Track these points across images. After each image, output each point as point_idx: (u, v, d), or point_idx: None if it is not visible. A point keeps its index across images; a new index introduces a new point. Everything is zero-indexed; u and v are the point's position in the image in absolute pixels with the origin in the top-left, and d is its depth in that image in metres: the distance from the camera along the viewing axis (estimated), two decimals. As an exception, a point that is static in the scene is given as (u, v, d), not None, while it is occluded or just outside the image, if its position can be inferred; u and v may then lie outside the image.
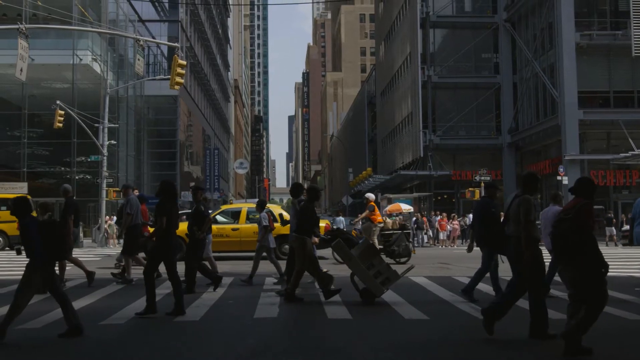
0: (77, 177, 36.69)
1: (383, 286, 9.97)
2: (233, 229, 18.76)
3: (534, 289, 7.14)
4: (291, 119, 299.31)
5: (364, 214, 17.82)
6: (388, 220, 17.27)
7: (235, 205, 22.33)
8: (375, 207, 17.90)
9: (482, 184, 11.00)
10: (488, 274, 10.39)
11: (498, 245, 9.46)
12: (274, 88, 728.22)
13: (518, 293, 7.36)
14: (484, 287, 12.18)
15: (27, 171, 35.56)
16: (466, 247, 11.20)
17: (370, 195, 18.42)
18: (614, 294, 10.63)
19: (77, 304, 9.90)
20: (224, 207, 20.76)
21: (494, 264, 10.40)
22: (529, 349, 6.95)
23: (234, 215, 19.87)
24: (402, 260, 17.31)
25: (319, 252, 15.14)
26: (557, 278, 13.64)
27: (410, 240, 19.12)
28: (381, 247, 17.36)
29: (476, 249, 10.62)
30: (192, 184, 48.44)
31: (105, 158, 31.49)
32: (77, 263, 12.65)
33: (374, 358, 6.39)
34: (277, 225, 16.31)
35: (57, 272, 11.96)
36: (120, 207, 14.30)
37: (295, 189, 11.72)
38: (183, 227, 13.05)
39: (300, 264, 10.36)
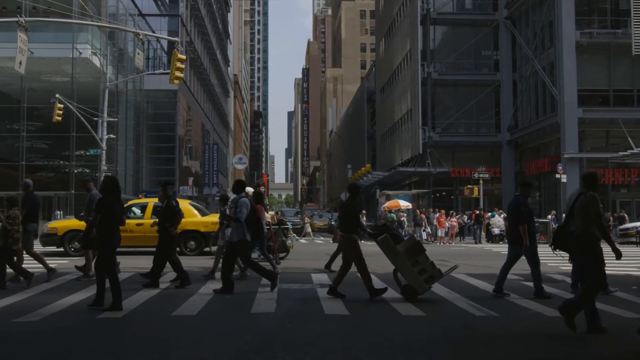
0: (75, 171, 36.67)
1: (427, 284, 10.00)
2: (137, 224, 18.12)
3: (594, 283, 7.42)
4: (290, 115, 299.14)
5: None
6: (267, 215, 16.91)
7: (142, 200, 21.96)
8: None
9: (521, 183, 11.06)
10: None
11: (523, 241, 10.21)
12: (273, 84, 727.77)
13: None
14: (481, 283, 12.22)
15: (26, 164, 35.51)
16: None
17: (250, 190, 18.37)
18: (615, 291, 10.66)
19: (75, 298, 9.92)
20: (131, 202, 20.46)
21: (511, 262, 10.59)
22: (527, 344, 6.97)
23: (142, 210, 19.52)
24: (281, 255, 16.89)
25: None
26: (555, 276, 13.67)
27: (288, 235, 18.92)
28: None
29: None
30: (191, 178, 48.51)
31: (104, 152, 31.44)
32: (37, 258, 12.46)
33: (371, 354, 6.40)
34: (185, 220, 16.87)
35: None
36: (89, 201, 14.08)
37: (237, 185, 11.47)
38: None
39: (357, 261, 10.31)
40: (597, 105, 37.94)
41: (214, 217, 17.92)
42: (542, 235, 30.31)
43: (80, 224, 17.03)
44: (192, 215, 18.51)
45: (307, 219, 42.79)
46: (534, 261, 10.46)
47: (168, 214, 11.65)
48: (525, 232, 10.26)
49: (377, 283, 11.15)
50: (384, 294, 10.22)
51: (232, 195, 14.18)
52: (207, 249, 18.77)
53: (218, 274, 11.97)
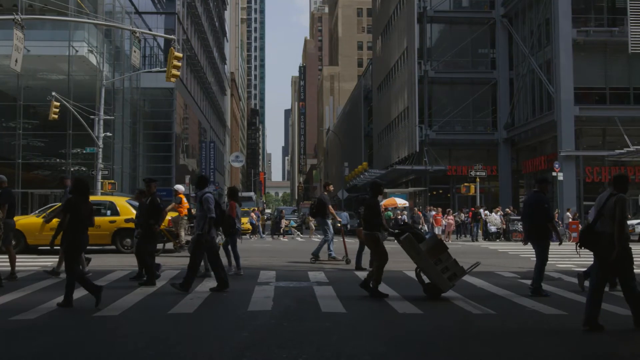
0: (72, 169, 36.58)
1: (450, 282, 10.02)
2: None
3: (626, 282, 7.58)
4: (287, 113, 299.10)
5: (170, 206, 17.36)
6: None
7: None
8: (183, 198, 17.66)
9: (539, 179, 11.20)
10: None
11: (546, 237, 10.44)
12: (270, 81, 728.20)
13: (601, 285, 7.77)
14: (478, 281, 12.22)
15: (22, 162, 35.41)
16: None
17: (179, 187, 18.37)
18: (606, 290, 10.67)
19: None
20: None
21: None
22: (524, 342, 6.98)
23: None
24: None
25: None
26: (552, 274, 13.68)
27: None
28: (188, 239, 17.36)
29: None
30: (187, 176, 48.46)
31: (100, 150, 31.39)
32: (11, 256, 12.36)
33: (368, 351, 6.40)
34: (117, 218, 17.67)
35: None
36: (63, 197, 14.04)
37: (200, 181, 11.39)
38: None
39: (379, 259, 10.33)
40: (593, 103, 38.01)
41: None
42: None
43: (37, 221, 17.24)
44: (129, 213, 18.35)
45: (310, 217, 42.74)
46: (541, 256, 10.52)
47: (152, 211, 11.66)
48: (555, 228, 10.41)
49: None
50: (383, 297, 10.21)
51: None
52: None
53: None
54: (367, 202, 10.91)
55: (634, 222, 28.59)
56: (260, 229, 39.55)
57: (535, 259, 10.65)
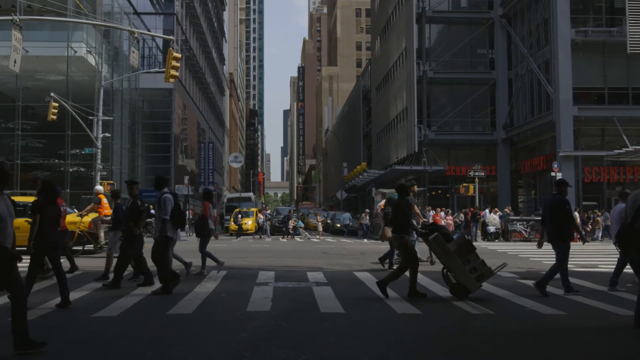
0: (71, 170, 36.60)
1: (478, 282, 10.04)
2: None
3: None
4: (286, 113, 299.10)
5: (89, 207, 17.26)
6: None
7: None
8: (103, 199, 17.24)
9: (558, 180, 11.21)
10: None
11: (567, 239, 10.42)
12: (269, 82, 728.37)
13: None
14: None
15: (21, 163, 35.43)
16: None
17: (98, 188, 18.29)
18: (606, 290, 10.68)
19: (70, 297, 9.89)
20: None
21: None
22: (522, 341, 6.98)
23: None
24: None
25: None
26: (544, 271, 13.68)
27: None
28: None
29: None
30: (186, 177, 48.43)
31: (99, 151, 31.38)
32: None
33: (366, 352, 6.40)
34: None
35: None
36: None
37: (158, 182, 11.11)
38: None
39: (409, 260, 10.30)
40: (592, 104, 38.01)
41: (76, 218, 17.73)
42: (538, 233, 30.37)
43: None
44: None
45: (319, 218, 42.67)
46: (561, 257, 10.51)
47: (133, 213, 11.65)
48: (578, 228, 10.39)
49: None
50: (378, 294, 10.19)
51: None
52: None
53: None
54: (394, 203, 10.87)
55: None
56: (268, 229, 39.57)
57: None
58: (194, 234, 13.69)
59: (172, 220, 10.62)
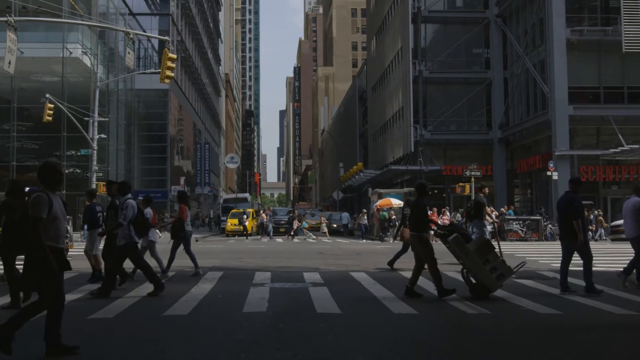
0: (66, 171, 36.52)
1: (498, 281, 10.04)
2: None
3: None
4: (282, 114, 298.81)
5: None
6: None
7: None
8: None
9: (570, 179, 11.21)
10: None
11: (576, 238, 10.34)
12: (265, 82, 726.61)
13: None
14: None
15: (17, 165, 35.37)
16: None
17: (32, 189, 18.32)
18: (604, 289, 10.69)
19: (67, 298, 9.86)
20: None
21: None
22: (520, 341, 6.98)
23: None
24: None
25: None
26: (546, 273, 13.68)
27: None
28: None
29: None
30: (182, 178, 48.41)
31: (95, 152, 31.32)
32: None
33: (362, 352, 6.39)
34: None
35: None
36: None
37: (122, 187, 11.10)
38: None
39: (429, 260, 10.28)
40: (587, 103, 38.02)
41: None
42: (534, 232, 30.44)
43: None
44: None
45: (323, 219, 42.56)
46: (587, 255, 10.53)
47: (109, 214, 11.60)
48: (580, 227, 10.36)
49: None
50: (375, 294, 10.20)
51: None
52: None
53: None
54: (413, 203, 10.87)
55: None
56: (271, 230, 39.47)
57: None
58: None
59: (133, 226, 10.47)
